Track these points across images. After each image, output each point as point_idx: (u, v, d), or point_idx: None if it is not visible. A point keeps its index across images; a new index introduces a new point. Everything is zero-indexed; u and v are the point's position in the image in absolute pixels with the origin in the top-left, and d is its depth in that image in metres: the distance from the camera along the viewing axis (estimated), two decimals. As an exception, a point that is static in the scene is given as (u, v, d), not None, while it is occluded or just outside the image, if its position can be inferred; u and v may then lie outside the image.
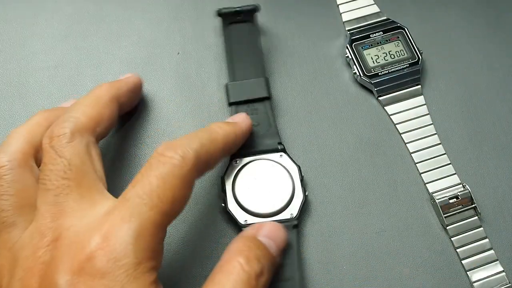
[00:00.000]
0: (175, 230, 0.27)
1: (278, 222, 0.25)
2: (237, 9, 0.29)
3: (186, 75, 0.31)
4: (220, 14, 0.30)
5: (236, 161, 0.27)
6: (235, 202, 0.26)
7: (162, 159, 0.21)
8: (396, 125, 0.30)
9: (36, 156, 0.24)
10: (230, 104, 0.28)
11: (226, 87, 0.29)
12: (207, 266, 0.26)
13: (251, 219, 0.26)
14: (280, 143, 0.27)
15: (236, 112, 0.28)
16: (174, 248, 0.26)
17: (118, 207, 0.20)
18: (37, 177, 0.23)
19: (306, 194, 0.27)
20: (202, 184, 0.27)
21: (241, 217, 0.26)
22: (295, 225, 0.26)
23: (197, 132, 0.24)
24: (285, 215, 0.26)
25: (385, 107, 0.30)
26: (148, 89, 0.31)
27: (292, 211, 0.26)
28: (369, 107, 0.30)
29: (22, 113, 0.30)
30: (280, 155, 0.27)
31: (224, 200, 0.26)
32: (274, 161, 0.27)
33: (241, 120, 0.27)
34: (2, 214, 0.22)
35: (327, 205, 0.28)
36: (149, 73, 0.31)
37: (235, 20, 0.30)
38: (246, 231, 0.23)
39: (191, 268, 0.26)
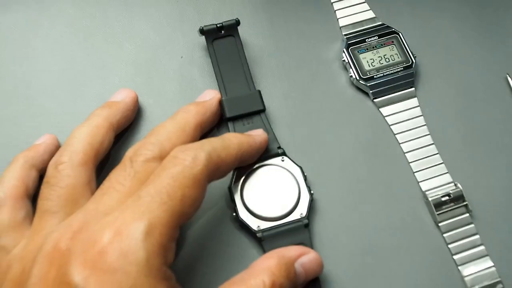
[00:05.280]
0: (189, 242, 0.27)
1: (290, 223, 0.26)
2: (218, 25, 0.30)
3: (189, 79, 0.32)
4: (202, 32, 0.31)
5: (240, 170, 0.28)
6: (245, 210, 0.27)
7: (174, 161, 0.22)
8: (391, 126, 0.31)
9: (96, 159, 0.25)
10: (227, 119, 0.29)
11: (221, 102, 0.29)
12: (223, 271, 0.27)
13: (263, 224, 0.27)
14: (279, 147, 0.28)
15: (234, 126, 0.29)
16: (189, 256, 0.27)
17: (131, 205, 0.21)
18: (92, 177, 0.25)
19: (312, 192, 0.27)
20: (209, 198, 0.28)
21: (254, 223, 0.27)
22: (306, 224, 0.27)
23: (211, 138, 0.25)
24: (295, 215, 0.27)
25: (380, 109, 0.32)
26: (151, 92, 0.31)
27: (301, 210, 0.27)
28: (365, 109, 0.32)
29: (27, 115, 0.30)
30: (282, 159, 0.28)
31: (235, 209, 0.27)
32: (277, 165, 0.28)
33: (257, 134, 0.28)
34: (48, 203, 0.24)
35: (330, 204, 0.29)
36: (153, 75, 0.32)
37: (218, 36, 0.31)
38: (289, 251, 0.24)
39: (206, 270, 0.27)
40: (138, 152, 0.24)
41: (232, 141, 0.25)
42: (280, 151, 0.28)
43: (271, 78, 0.32)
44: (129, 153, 0.24)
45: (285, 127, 0.30)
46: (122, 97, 0.29)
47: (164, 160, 0.23)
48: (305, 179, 0.28)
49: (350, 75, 0.32)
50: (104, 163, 0.28)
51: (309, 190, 0.27)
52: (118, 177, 0.23)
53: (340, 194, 0.29)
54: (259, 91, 0.30)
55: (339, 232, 0.28)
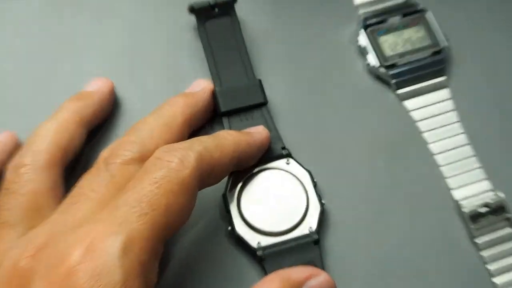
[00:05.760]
0: (176, 261, 0.27)
1: (296, 239, 0.25)
2: (212, 2, 0.29)
3: (176, 66, 0.31)
4: (192, 10, 0.30)
5: (237, 175, 0.27)
6: (243, 223, 0.26)
7: (158, 163, 0.21)
8: (417, 123, 0.30)
9: (63, 160, 0.25)
10: (222, 114, 0.28)
11: (214, 94, 0.28)
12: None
13: (264, 240, 0.25)
14: (284, 148, 0.27)
15: (229, 123, 0.28)
16: (175, 277, 0.26)
17: (106, 216, 0.20)
18: (59, 183, 0.24)
19: (323, 202, 0.26)
20: (200, 207, 0.26)
21: (253, 239, 0.25)
22: (316, 240, 0.25)
23: (201, 137, 0.24)
24: (302, 230, 0.26)
25: (404, 102, 0.30)
26: (132, 81, 0.30)
27: (310, 224, 0.26)
28: (386, 102, 0.30)
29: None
30: (287, 162, 0.27)
31: (231, 222, 0.26)
32: (281, 169, 0.27)
33: (257, 131, 0.27)
34: (7, 213, 0.23)
35: (344, 216, 0.28)
36: (135, 63, 0.31)
37: (211, 16, 0.29)
38: (295, 272, 0.23)
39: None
40: (115, 152, 0.24)
41: (227, 140, 0.24)
42: (284, 152, 0.27)
43: (274, 66, 0.31)
44: (104, 154, 0.24)
45: (291, 124, 0.29)
46: (96, 87, 0.28)
47: (146, 162, 0.22)
48: (315, 186, 0.27)
49: (368, 62, 0.31)
50: (74, 165, 0.27)
51: (320, 199, 0.26)
52: (91, 183, 0.23)
53: (356, 204, 0.28)
54: (260, 81, 0.29)
55: (356, 250, 0.27)
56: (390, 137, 0.30)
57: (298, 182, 0.27)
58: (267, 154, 0.27)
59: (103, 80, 0.29)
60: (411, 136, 0.30)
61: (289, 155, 0.27)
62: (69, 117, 0.26)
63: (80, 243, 0.19)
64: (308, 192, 0.27)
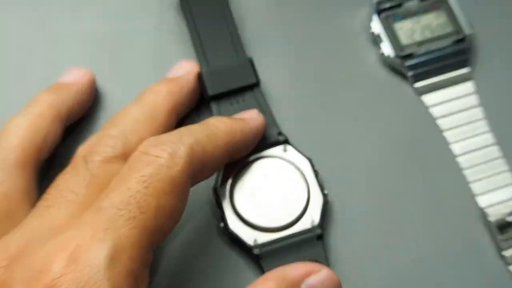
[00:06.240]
0: (164, 266, 0.26)
1: (297, 234, 0.25)
2: None
3: (165, 54, 0.30)
4: None
5: (229, 165, 0.26)
6: (237, 218, 0.25)
7: (145, 159, 0.21)
8: (437, 120, 0.29)
9: (37, 159, 0.25)
10: (210, 98, 0.27)
11: (200, 76, 0.28)
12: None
13: (261, 237, 0.25)
14: (280, 133, 0.27)
15: (219, 108, 0.27)
16: (166, 284, 0.26)
17: (88, 221, 0.20)
18: (32, 184, 0.24)
19: (326, 192, 0.26)
20: (189, 202, 0.25)
21: (249, 236, 0.25)
22: (320, 235, 0.25)
23: (190, 126, 0.24)
24: (304, 224, 0.25)
25: (422, 97, 0.29)
26: (115, 70, 0.30)
27: (313, 217, 0.25)
28: (402, 97, 0.30)
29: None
30: (284, 149, 0.27)
31: (223, 218, 0.25)
32: (278, 157, 0.27)
33: (251, 117, 0.26)
34: None
35: (351, 208, 0.27)
36: (119, 51, 0.30)
37: None
38: (293, 269, 0.22)
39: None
40: (95, 149, 0.23)
41: (219, 129, 0.24)
42: (281, 138, 0.27)
43: (270, 46, 0.30)
44: (83, 150, 0.23)
45: (291, 123, 0.28)
46: (74, 78, 0.28)
47: (131, 158, 0.21)
48: (316, 175, 0.26)
49: (381, 51, 0.30)
50: (49, 164, 0.27)
51: (322, 190, 0.26)
52: (69, 183, 0.22)
53: (366, 211, 0.27)
54: (251, 59, 0.28)
55: (364, 248, 0.26)
56: (406, 135, 0.29)
57: (297, 171, 0.26)
58: (262, 141, 0.27)
59: (81, 69, 0.28)
60: (430, 135, 0.29)
61: (286, 142, 0.27)
62: (44, 111, 0.25)
63: (62, 252, 0.19)
64: (309, 182, 0.26)
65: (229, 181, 0.26)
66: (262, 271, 0.25)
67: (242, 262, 0.26)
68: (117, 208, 0.20)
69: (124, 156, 0.23)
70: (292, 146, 0.27)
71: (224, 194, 0.26)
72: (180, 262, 0.26)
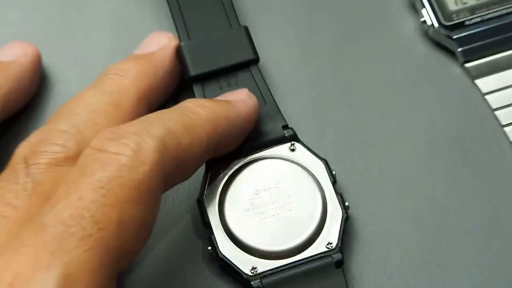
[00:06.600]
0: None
1: (310, 261, 0.23)
2: None
3: (133, 23, 0.28)
4: None
5: (217, 169, 0.24)
6: (229, 240, 0.23)
7: (101, 157, 0.19)
8: (496, 112, 0.26)
9: None
10: (192, 79, 0.25)
11: (179, 50, 0.25)
12: None
13: (262, 265, 0.23)
14: (286, 127, 0.25)
15: (204, 92, 0.25)
16: None
17: (29, 241, 0.18)
18: None
19: (347, 205, 0.24)
20: (165, 217, 0.25)
21: (246, 264, 0.23)
22: (339, 262, 0.23)
23: (161, 111, 0.22)
24: (318, 247, 0.23)
25: (476, 81, 0.27)
26: (71, 47, 0.28)
27: (329, 238, 0.23)
28: (449, 79, 0.27)
29: None
30: (292, 147, 0.25)
31: (211, 240, 0.23)
32: (283, 158, 0.25)
33: (240, 99, 0.24)
34: None
35: (380, 226, 0.25)
36: (71, 20, 0.28)
37: None
38: None
39: None
40: (40, 148, 0.21)
41: (199, 116, 0.22)
42: (287, 133, 0.25)
43: (272, 13, 0.28)
44: (24, 150, 0.22)
45: (296, 95, 0.27)
46: (12, 56, 0.25)
47: (82, 158, 0.19)
48: (334, 182, 0.24)
49: (422, 19, 0.27)
50: None
51: (342, 202, 0.24)
52: (5, 193, 0.20)
53: (399, 211, 0.25)
54: (246, 29, 0.26)
55: (398, 279, 0.24)
56: (453, 131, 0.26)
57: (308, 177, 0.24)
58: (261, 137, 0.25)
59: (23, 44, 0.26)
60: (485, 131, 0.26)
61: (294, 138, 0.25)
62: None
63: None
64: (325, 191, 0.24)
65: (219, 190, 0.24)
66: None
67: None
68: (66, 224, 0.18)
69: (78, 157, 0.21)
70: (302, 143, 0.25)
71: (212, 208, 0.24)
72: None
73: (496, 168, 0.25)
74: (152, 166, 0.19)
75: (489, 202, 0.25)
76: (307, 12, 0.28)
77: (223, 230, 0.24)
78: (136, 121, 0.21)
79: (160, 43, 0.26)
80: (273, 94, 0.26)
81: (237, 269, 0.23)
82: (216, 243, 0.23)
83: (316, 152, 0.25)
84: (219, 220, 0.24)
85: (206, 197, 0.24)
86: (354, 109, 0.27)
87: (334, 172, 0.25)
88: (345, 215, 0.24)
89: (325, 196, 0.24)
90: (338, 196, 0.24)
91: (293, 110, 0.27)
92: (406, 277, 0.24)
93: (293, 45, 0.28)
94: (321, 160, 0.24)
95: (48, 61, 0.27)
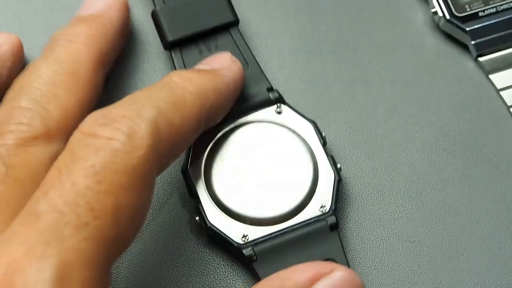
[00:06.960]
0: (124, 280, 0.24)
1: (302, 225, 0.23)
2: None
3: None
4: None
5: (203, 136, 0.23)
6: (218, 209, 0.23)
7: (93, 143, 0.19)
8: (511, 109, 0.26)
9: None
10: (170, 44, 0.24)
11: (155, 16, 0.25)
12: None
13: (253, 232, 0.23)
14: (270, 89, 0.24)
15: (183, 58, 0.25)
16: None
17: (20, 231, 0.18)
18: None
19: (339, 166, 0.24)
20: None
21: (236, 232, 0.23)
22: (334, 225, 0.23)
23: (149, 90, 0.21)
24: (312, 211, 0.23)
25: (490, 76, 0.26)
26: (51, 24, 0.26)
27: (322, 201, 0.23)
28: (461, 74, 0.26)
29: None
30: (278, 109, 0.24)
31: (199, 209, 0.23)
32: (269, 121, 0.24)
33: (224, 64, 0.24)
34: None
35: (375, 189, 0.25)
36: (58, 12, 0.27)
37: None
38: (297, 273, 0.20)
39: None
40: (4, 128, 0.21)
41: (188, 91, 0.21)
42: (272, 95, 0.24)
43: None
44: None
45: (300, 103, 0.25)
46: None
47: (72, 142, 0.19)
48: (324, 144, 0.24)
49: (433, 10, 0.26)
50: None
51: (333, 164, 0.23)
52: None
53: (407, 236, 0.24)
54: None
55: (394, 239, 0.24)
56: (466, 128, 0.25)
57: (297, 140, 0.23)
58: (246, 101, 0.24)
59: (4, 36, 0.25)
60: (500, 129, 0.25)
61: (280, 100, 0.24)
62: None
63: None
64: (315, 154, 0.23)
65: (204, 158, 0.23)
66: (256, 276, 0.22)
67: (228, 268, 0.24)
68: (60, 211, 0.17)
69: (47, 135, 0.21)
70: (289, 105, 0.24)
71: (197, 176, 0.23)
72: (144, 273, 0.24)
73: (508, 166, 0.25)
74: (147, 150, 0.19)
75: (503, 201, 0.24)
76: (324, 3, 0.28)
77: (211, 199, 0.23)
78: (125, 102, 0.20)
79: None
80: (254, 55, 0.25)
81: (227, 237, 0.22)
82: (204, 212, 0.23)
83: (304, 114, 0.25)
84: (205, 189, 0.23)
85: (191, 166, 0.23)
86: (360, 115, 0.26)
87: (323, 134, 0.24)
88: (337, 177, 0.23)
89: (315, 158, 0.24)
90: (329, 158, 0.23)
91: (278, 72, 0.26)
92: (403, 239, 0.24)
93: (276, 8, 0.27)
94: (309, 122, 0.24)
95: (31, 52, 0.26)
